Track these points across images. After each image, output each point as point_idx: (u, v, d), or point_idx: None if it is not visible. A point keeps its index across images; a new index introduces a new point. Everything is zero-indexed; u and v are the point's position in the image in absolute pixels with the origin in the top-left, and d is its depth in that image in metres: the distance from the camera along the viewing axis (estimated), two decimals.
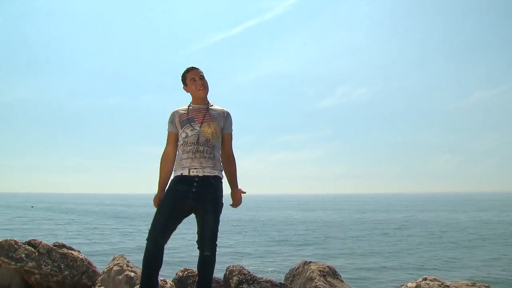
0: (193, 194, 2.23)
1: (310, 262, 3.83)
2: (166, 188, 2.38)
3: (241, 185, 2.46)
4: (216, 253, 2.29)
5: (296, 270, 3.90)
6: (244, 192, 2.46)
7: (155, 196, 2.40)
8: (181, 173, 2.29)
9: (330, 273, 3.59)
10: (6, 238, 3.53)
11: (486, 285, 3.34)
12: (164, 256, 2.29)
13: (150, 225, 2.27)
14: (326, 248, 15.60)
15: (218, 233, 2.27)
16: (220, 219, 2.31)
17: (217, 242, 2.29)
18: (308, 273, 3.55)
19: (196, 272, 2.78)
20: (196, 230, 2.28)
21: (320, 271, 3.54)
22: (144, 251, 2.24)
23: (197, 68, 2.46)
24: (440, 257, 12.50)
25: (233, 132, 2.53)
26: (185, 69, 2.48)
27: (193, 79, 2.42)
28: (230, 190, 2.47)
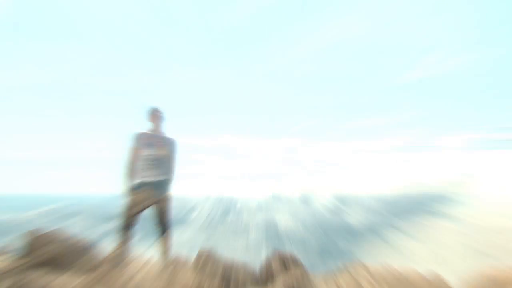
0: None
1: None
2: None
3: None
4: None
5: None
6: None
7: None
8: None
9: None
10: None
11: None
12: None
13: None
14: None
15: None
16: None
17: None
18: None
19: None
20: None
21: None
22: None
23: (160, 110, 3.93)
24: None
25: None
26: (152, 107, 3.91)
27: (157, 116, 3.88)
28: None
